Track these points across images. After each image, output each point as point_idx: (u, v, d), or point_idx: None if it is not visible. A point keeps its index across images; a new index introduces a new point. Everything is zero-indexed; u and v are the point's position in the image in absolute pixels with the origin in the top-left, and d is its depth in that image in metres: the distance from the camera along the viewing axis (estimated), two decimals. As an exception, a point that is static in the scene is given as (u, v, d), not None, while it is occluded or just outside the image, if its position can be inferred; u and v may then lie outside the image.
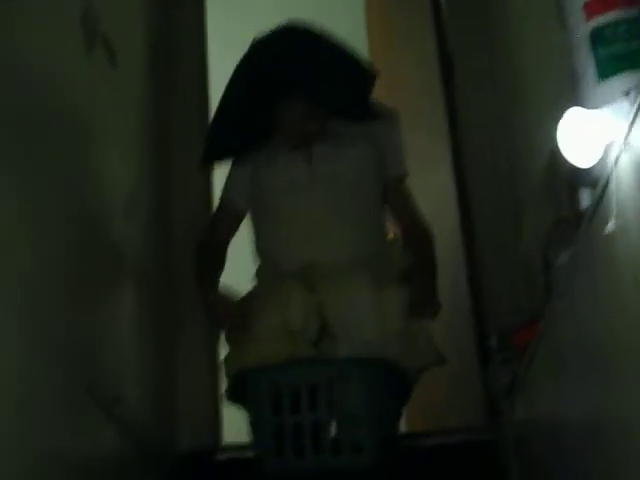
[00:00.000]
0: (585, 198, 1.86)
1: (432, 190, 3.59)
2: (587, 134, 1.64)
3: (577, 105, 1.75)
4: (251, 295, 2.75)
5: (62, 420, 1.90)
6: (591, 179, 1.79)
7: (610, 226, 1.55)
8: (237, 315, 2.64)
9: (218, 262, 2.84)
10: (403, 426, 3.18)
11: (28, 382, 1.71)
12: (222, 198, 2.90)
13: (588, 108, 1.71)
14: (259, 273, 2.82)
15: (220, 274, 2.81)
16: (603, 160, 1.65)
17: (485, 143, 3.16)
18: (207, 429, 3.20)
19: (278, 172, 2.78)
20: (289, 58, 2.71)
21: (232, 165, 2.89)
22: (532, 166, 2.56)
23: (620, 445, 1.68)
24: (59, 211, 2.02)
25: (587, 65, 1.73)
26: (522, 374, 2.50)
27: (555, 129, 1.83)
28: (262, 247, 2.82)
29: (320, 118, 2.76)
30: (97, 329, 2.30)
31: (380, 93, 2.90)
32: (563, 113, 1.78)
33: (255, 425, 2.56)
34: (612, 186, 1.58)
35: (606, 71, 1.69)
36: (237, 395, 2.63)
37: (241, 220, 2.87)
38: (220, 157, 2.91)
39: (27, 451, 1.68)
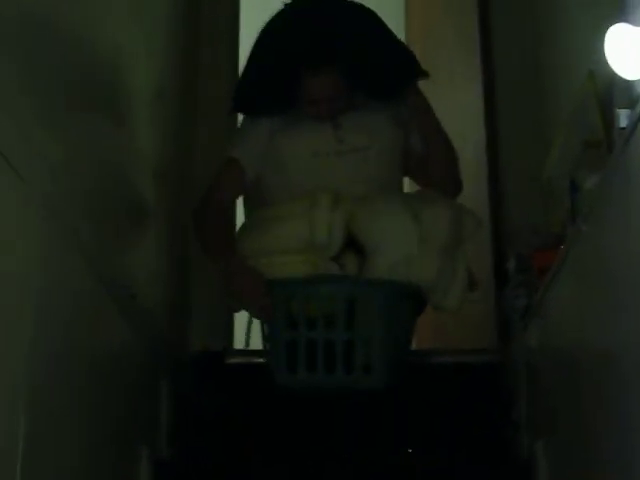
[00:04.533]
0: (621, 120, 1.82)
1: (460, 108, 3.54)
2: (633, 50, 1.60)
3: (624, 22, 1.71)
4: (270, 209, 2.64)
5: (78, 315, 1.90)
6: (629, 98, 1.76)
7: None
8: (263, 293, 2.48)
9: (227, 223, 2.68)
10: (413, 343, 3.18)
11: (46, 275, 1.69)
12: (231, 155, 2.71)
13: (635, 25, 1.67)
14: None
15: (231, 238, 2.61)
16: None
17: (518, 62, 3.10)
18: (220, 334, 3.21)
19: (302, 139, 2.66)
20: (323, 28, 2.61)
21: (245, 124, 2.76)
22: (565, 87, 2.51)
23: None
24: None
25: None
26: (539, 298, 2.48)
27: (597, 48, 1.79)
28: None
29: (348, 94, 2.66)
30: (116, 227, 2.28)
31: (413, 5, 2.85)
32: (607, 31, 1.74)
33: (269, 338, 2.56)
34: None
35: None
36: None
37: (244, 183, 2.69)
38: (246, 110, 2.77)
39: (42, 344, 1.67)
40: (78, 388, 1.90)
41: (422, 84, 2.79)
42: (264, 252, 2.53)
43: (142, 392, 2.53)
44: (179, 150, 3.12)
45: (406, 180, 2.96)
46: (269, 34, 2.67)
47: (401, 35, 3.99)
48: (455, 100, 3.61)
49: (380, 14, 2.72)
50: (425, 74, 2.69)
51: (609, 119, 1.95)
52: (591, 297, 2.01)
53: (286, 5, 2.68)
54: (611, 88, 1.93)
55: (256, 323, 2.63)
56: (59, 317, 1.76)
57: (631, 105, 1.73)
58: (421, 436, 2.75)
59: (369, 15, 2.68)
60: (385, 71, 2.66)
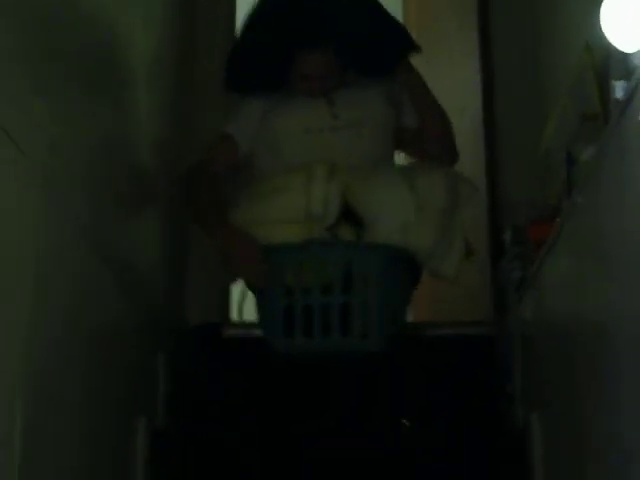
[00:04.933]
0: (617, 92, 1.82)
1: (458, 83, 3.54)
2: (627, 20, 1.60)
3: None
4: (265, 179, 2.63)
5: (76, 287, 1.90)
6: (625, 70, 1.76)
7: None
8: (260, 259, 2.48)
9: (220, 194, 2.64)
10: (409, 315, 3.20)
11: (45, 248, 1.70)
12: (225, 131, 2.70)
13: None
14: None
15: (224, 209, 2.57)
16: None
17: (515, 37, 3.10)
18: (217, 306, 3.22)
19: (295, 115, 2.66)
20: (318, 6, 2.60)
21: (239, 102, 2.73)
22: (562, 60, 2.51)
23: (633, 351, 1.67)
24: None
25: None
26: (535, 270, 2.49)
27: (593, 19, 1.79)
28: None
29: (340, 71, 2.66)
30: (113, 200, 2.29)
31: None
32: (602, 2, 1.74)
33: (265, 305, 2.56)
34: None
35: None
36: None
37: (238, 159, 2.68)
38: (237, 89, 2.75)
39: (40, 315, 1.68)
40: (76, 359, 1.91)
41: (420, 60, 2.78)
42: (259, 223, 2.52)
43: (140, 363, 2.54)
44: (176, 121, 3.12)
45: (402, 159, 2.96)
46: (263, 11, 2.66)
47: (398, 11, 3.99)
48: (453, 75, 3.61)
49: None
50: (417, 49, 2.69)
51: (605, 91, 1.95)
52: (586, 270, 2.02)
53: None
54: (607, 60, 1.92)
55: (251, 296, 2.64)
56: (57, 289, 1.77)
57: (627, 77, 1.73)
58: (417, 407, 2.76)
59: None
60: (378, 50, 2.66)
